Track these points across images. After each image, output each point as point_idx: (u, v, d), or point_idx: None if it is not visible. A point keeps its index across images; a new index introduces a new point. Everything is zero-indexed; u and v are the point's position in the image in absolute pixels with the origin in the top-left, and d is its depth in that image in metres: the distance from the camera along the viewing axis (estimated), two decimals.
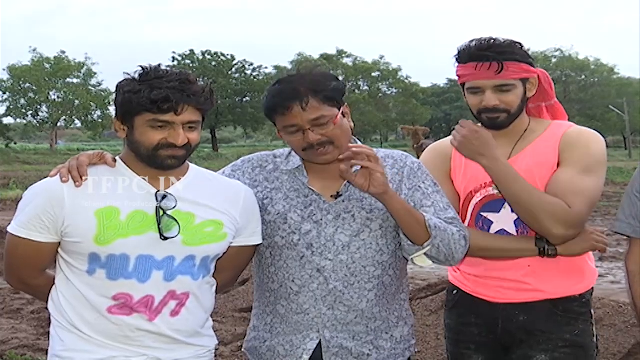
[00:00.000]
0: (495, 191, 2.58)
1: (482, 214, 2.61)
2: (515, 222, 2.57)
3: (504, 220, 2.58)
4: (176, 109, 2.11)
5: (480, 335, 2.66)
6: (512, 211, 2.55)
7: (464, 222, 2.63)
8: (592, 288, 2.67)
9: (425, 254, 2.30)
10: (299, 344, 2.37)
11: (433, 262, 2.35)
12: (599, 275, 3.97)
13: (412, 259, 2.34)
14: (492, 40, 2.52)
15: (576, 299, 2.59)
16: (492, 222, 2.60)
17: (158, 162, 2.16)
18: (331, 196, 2.35)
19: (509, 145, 2.59)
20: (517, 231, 2.58)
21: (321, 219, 2.35)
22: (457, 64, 2.58)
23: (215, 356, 2.42)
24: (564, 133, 2.57)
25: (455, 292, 2.74)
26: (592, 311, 2.66)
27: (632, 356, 4.78)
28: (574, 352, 2.57)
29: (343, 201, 2.35)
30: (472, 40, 2.55)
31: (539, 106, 2.69)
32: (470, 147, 2.52)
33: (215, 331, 2.41)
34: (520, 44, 2.56)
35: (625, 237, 2.55)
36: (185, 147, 2.15)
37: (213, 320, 2.39)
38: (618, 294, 5.32)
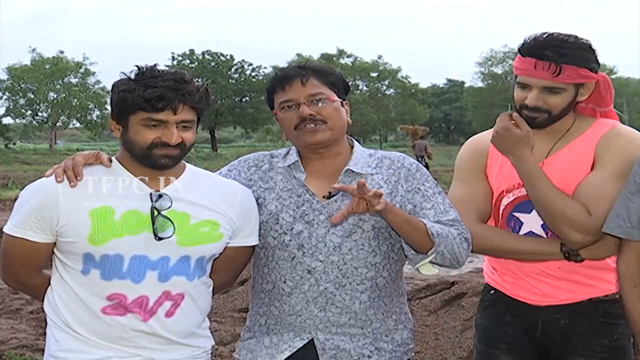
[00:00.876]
0: None
1: (514, 214, 2.58)
2: (543, 225, 2.53)
3: (533, 221, 2.55)
4: (170, 107, 2.10)
5: (513, 336, 2.61)
6: None
7: (496, 222, 2.62)
8: None
9: (430, 261, 2.28)
10: (286, 340, 2.35)
11: (438, 268, 2.33)
12: None
13: (417, 268, 2.32)
14: (559, 39, 2.42)
15: (616, 301, 2.52)
16: (522, 223, 2.57)
17: (152, 162, 2.16)
18: (323, 196, 2.33)
19: (549, 143, 2.54)
20: (546, 233, 2.54)
21: (313, 219, 2.33)
22: (518, 54, 2.51)
23: (215, 356, 2.41)
24: (604, 134, 2.50)
25: (492, 292, 2.69)
26: None
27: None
28: (612, 357, 2.54)
29: (335, 201, 2.33)
30: (544, 34, 2.46)
31: (594, 110, 2.60)
32: (502, 143, 2.49)
33: (214, 331, 2.41)
34: (590, 47, 2.46)
35: None
36: (179, 146, 2.15)
37: (212, 321, 2.39)
38: None
